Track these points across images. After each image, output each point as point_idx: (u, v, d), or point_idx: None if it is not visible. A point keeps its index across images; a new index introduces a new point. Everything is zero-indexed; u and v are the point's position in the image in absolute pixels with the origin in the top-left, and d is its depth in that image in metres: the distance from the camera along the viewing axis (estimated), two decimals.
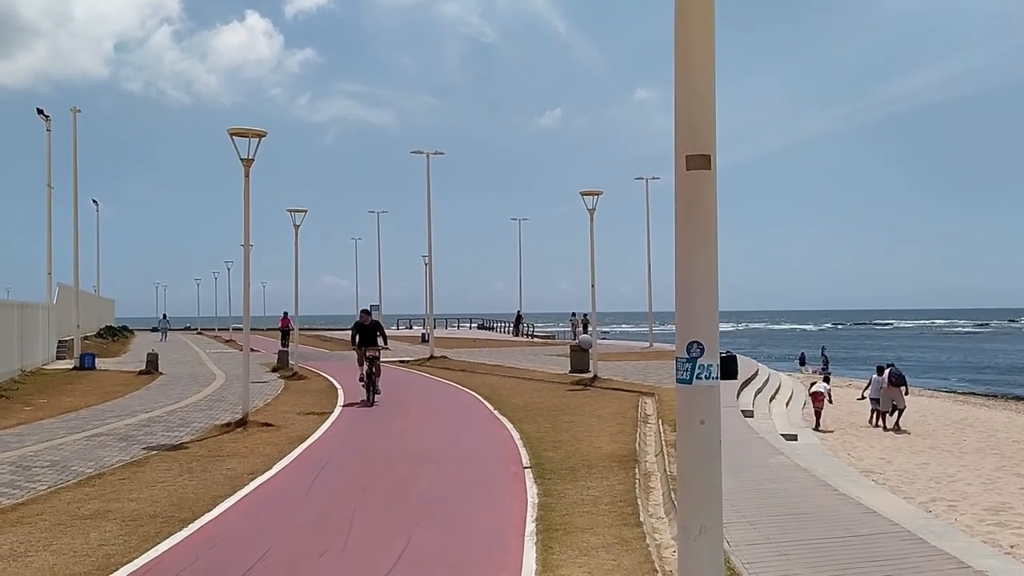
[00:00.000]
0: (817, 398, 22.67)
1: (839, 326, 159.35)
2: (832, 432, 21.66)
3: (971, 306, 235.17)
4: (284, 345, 36.55)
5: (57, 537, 7.51)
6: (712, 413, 3.81)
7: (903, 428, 22.50)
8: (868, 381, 24.93)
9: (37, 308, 28.91)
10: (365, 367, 17.95)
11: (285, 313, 44.41)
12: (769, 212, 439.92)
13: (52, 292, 33.47)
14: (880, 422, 22.98)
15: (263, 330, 67.49)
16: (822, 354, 54.40)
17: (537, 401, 18.00)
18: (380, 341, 18.46)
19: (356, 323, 19.14)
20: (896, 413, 22.79)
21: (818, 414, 22.44)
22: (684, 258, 3.83)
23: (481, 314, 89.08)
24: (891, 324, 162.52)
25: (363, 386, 17.96)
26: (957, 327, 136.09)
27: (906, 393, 23.33)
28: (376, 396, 17.88)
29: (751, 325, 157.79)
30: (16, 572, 6.52)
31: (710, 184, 3.82)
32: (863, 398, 24.96)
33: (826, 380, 26.17)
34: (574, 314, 55.05)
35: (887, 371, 23.07)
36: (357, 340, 18.76)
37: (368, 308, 21.10)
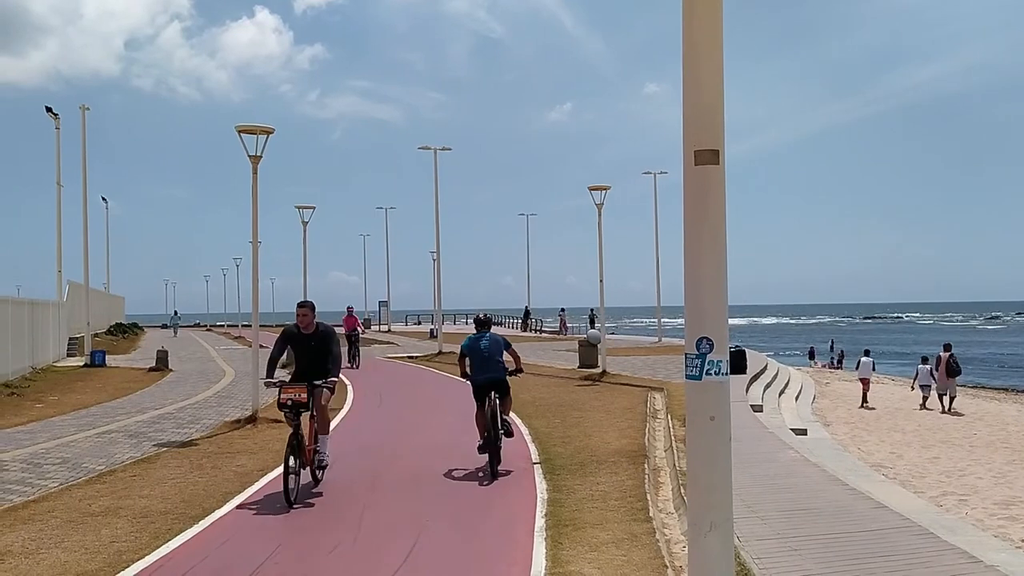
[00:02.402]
0: (865, 382, 26.29)
1: (851, 319, 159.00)
2: (875, 410, 24.71)
3: (981, 299, 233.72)
4: (353, 359, 26.35)
5: (68, 534, 7.54)
6: (722, 409, 3.80)
7: (957, 410, 24.64)
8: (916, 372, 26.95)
9: (48, 306, 29.04)
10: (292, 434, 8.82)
11: (350, 309, 30.23)
12: (778, 205, 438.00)
13: (62, 290, 33.62)
14: (928, 405, 25.22)
15: (272, 326, 67.75)
16: (831, 348, 54.37)
17: (546, 396, 17.99)
18: (331, 370, 9.27)
19: (285, 330, 9.54)
20: (948, 399, 25.00)
21: (864, 395, 25.99)
22: (693, 254, 3.82)
23: (489, 309, 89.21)
24: (900, 317, 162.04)
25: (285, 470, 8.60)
26: (970, 321, 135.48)
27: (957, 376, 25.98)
28: (318, 479, 9.42)
29: (760, 320, 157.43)
30: (28, 569, 6.55)
31: (719, 179, 3.81)
32: (913, 389, 27.04)
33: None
34: (562, 310, 56.35)
35: (947, 358, 24.86)
36: (286, 366, 10.50)
37: (308, 301, 9.73)
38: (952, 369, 24.62)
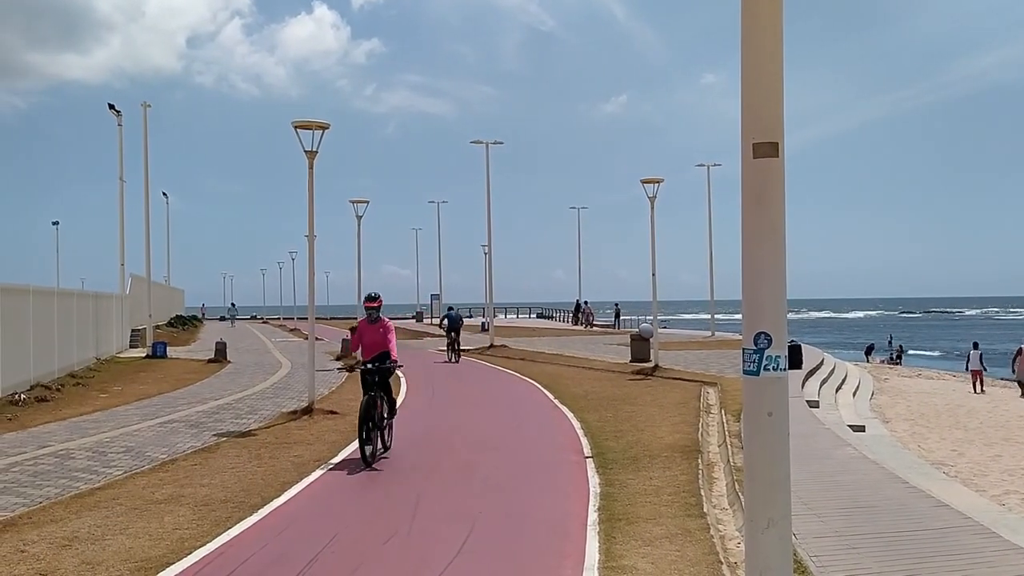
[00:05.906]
0: (976, 374, 28.90)
1: (904, 313, 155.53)
2: (985, 394, 27.05)
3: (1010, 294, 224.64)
4: (373, 433, 10.96)
5: (133, 521, 7.75)
6: (780, 405, 3.76)
7: None
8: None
9: (111, 298, 29.83)
10: None
11: (370, 303, 11.18)
12: (825, 199, 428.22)
13: (125, 283, 34.49)
14: None
15: (327, 319, 68.69)
16: (890, 343, 53.19)
17: (598, 390, 17.96)
18: None
19: None
20: None
21: (975, 384, 28.52)
22: (751, 247, 3.77)
23: (540, 303, 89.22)
24: (960, 312, 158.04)
25: None
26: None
27: None
28: None
29: (814, 313, 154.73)
30: (94, 555, 6.76)
31: (778, 172, 3.75)
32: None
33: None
34: (586, 303, 58.61)
35: None
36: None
37: None
38: None
